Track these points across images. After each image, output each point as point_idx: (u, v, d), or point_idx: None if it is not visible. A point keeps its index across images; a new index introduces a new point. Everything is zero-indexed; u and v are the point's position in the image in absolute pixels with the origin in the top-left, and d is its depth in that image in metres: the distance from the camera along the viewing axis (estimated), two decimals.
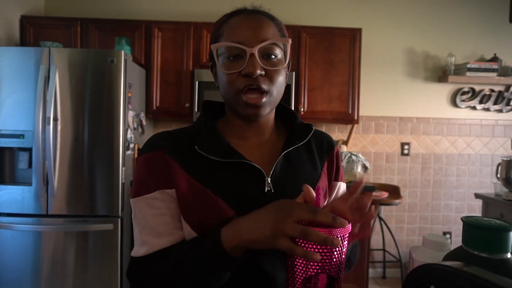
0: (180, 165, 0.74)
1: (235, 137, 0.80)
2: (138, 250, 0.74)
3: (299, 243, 0.55)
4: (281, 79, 0.74)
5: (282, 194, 0.72)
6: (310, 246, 0.55)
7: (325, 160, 0.85)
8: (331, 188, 0.86)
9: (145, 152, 0.77)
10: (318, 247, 0.55)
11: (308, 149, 0.83)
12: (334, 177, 0.86)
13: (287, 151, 0.78)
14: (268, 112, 0.76)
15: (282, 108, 0.87)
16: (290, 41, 0.75)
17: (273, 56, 0.72)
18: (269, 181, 0.74)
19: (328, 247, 0.54)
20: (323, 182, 0.82)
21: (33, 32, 2.93)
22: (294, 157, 0.80)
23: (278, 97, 0.76)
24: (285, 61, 0.75)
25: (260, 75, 0.70)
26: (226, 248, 0.61)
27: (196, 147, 0.74)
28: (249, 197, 0.72)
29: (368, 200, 0.59)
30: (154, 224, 0.73)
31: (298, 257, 0.56)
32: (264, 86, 0.71)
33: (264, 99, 0.72)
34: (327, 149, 0.86)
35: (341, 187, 0.88)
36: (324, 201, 0.83)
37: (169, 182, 0.73)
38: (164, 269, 0.68)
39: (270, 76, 0.72)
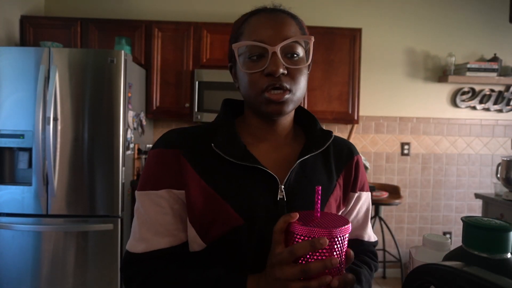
0: (193, 167, 0.72)
1: (251, 137, 0.78)
2: (136, 245, 0.73)
3: (296, 241, 0.56)
4: (303, 79, 0.73)
5: (294, 203, 0.71)
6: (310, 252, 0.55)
7: (343, 170, 0.81)
8: (347, 199, 0.82)
9: (158, 147, 0.75)
10: None
11: (325, 158, 0.80)
12: (351, 188, 0.82)
13: (303, 158, 0.75)
14: (291, 110, 0.74)
15: (303, 112, 0.85)
16: (312, 38, 0.73)
17: (295, 55, 0.71)
18: (282, 189, 0.72)
19: (328, 247, 0.55)
20: (337, 193, 0.79)
21: (33, 32, 2.93)
22: (310, 165, 0.77)
23: (301, 96, 0.74)
24: (307, 60, 0.73)
25: (283, 74, 0.69)
26: None
27: (212, 144, 0.72)
28: (260, 206, 0.70)
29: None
30: (155, 222, 0.72)
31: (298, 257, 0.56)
32: (287, 85, 0.70)
33: (286, 96, 0.70)
34: (346, 158, 0.82)
35: (362, 197, 0.84)
36: (339, 213, 0.81)
37: (179, 183, 0.72)
38: None
39: (292, 75, 0.70)
